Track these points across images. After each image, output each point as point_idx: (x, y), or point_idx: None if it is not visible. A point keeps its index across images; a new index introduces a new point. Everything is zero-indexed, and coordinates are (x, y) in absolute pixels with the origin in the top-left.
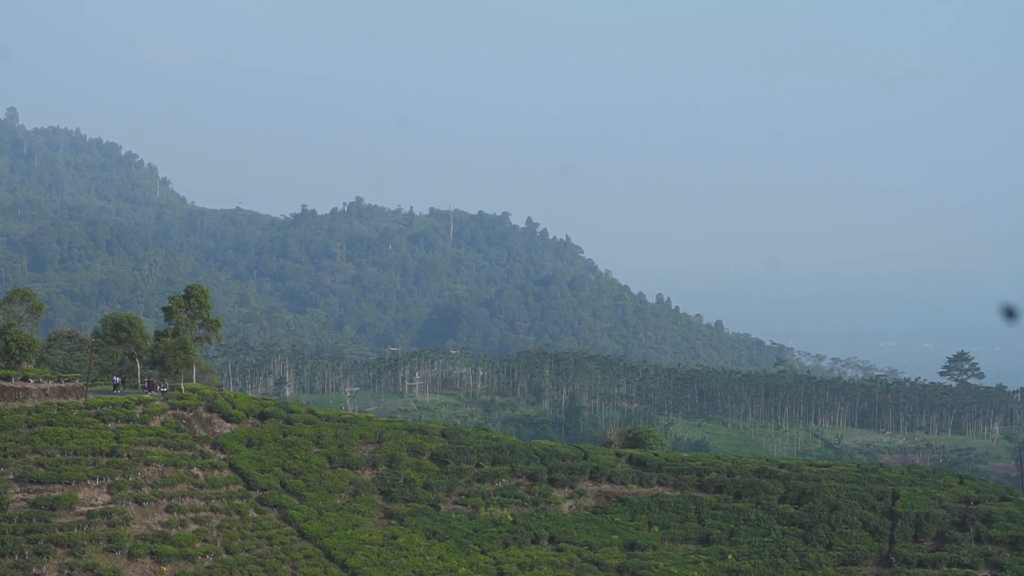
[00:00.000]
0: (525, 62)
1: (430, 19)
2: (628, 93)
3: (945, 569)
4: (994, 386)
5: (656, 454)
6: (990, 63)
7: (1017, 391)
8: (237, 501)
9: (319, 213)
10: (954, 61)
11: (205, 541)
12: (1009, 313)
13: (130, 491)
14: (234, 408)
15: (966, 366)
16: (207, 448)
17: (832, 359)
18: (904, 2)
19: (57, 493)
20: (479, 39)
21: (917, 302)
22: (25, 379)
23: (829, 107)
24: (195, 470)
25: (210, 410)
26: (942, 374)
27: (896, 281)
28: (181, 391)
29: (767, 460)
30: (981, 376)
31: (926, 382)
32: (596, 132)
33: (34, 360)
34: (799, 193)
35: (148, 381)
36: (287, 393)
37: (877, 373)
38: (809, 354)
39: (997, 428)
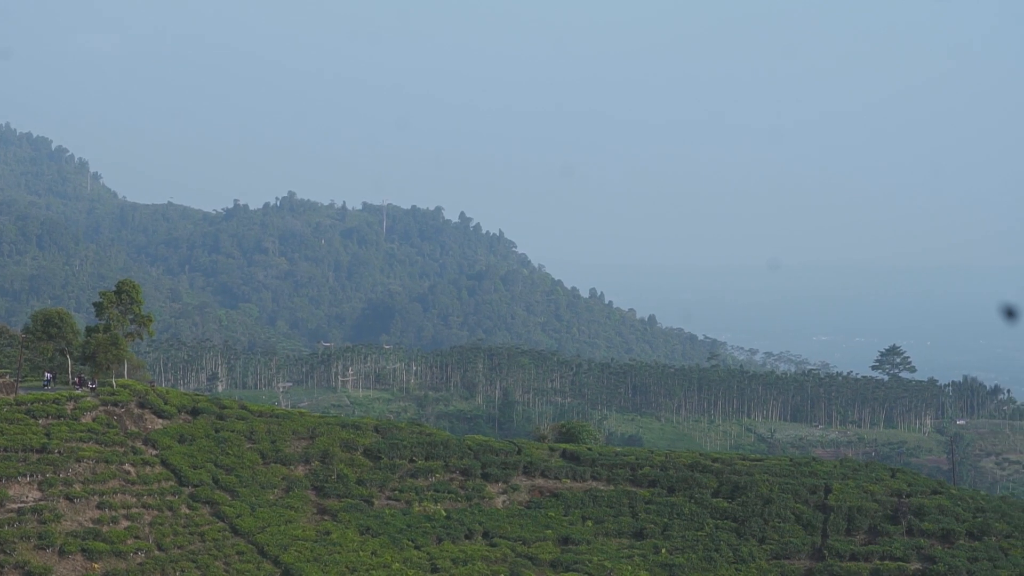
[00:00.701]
0: (463, 55)
1: (364, 8)
2: (563, 91)
3: (877, 562)
4: (925, 380)
5: (590, 449)
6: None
7: (948, 385)
8: (169, 497)
9: (251, 208)
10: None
11: (137, 538)
12: (1009, 313)
13: (61, 488)
14: (166, 404)
15: (898, 360)
16: (139, 444)
17: (765, 353)
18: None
19: None
20: (416, 29)
21: (850, 297)
22: None
23: (771, 91)
24: (127, 466)
25: (142, 406)
26: (874, 368)
27: (829, 276)
28: (112, 387)
29: (700, 454)
30: (913, 370)
31: (858, 376)
32: (532, 129)
33: None
34: (732, 190)
35: (79, 377)
36: (219, 389)
37: (810, 367)
38: (742, 348)
39: (929, 422)
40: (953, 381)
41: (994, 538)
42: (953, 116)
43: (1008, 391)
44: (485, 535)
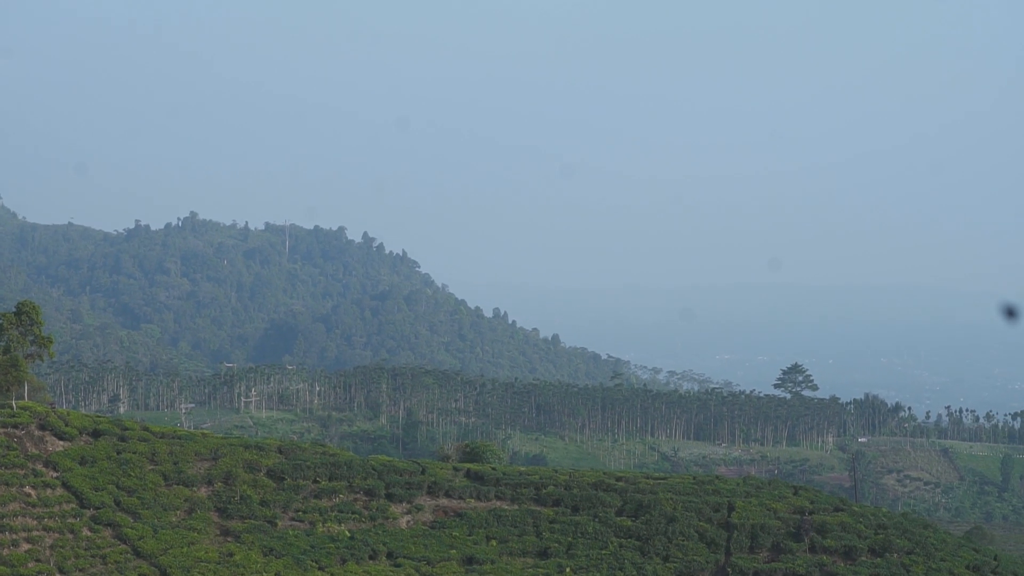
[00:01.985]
0: (365, 73)
1: (262, 25)
2: (465, 109)
3: None
4: (827, 398)
5: (494, 468)
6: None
7: (850, 403)
8: (70, 520)
9: (153, 228)
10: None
11: (38, 560)
12: (1009, 313)
13: None
14: (67, 426)
15: (800, 378)
16: (39, 466)
17: (668, 372)
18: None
19: None
20: (308, 49)
21: (752, 317)
22: None
23: (677, 110)
24: (27, 489)
25: (42, 428)
26: (777, 387)
27: (731, 297)
28: (12, 409)
29: (604, 473)
30: (815, 388)
31: (761, 394)
32: (435, 148)
33: None
34: (633, 211)
35: None
36: (121, 410)
37: (713, 386)
38: (646, 368)
39: (831, 439)
40: (855, 399)
41: (895, 555)
42: (851, 123)
43: (909, 408)
44: (389, 555)
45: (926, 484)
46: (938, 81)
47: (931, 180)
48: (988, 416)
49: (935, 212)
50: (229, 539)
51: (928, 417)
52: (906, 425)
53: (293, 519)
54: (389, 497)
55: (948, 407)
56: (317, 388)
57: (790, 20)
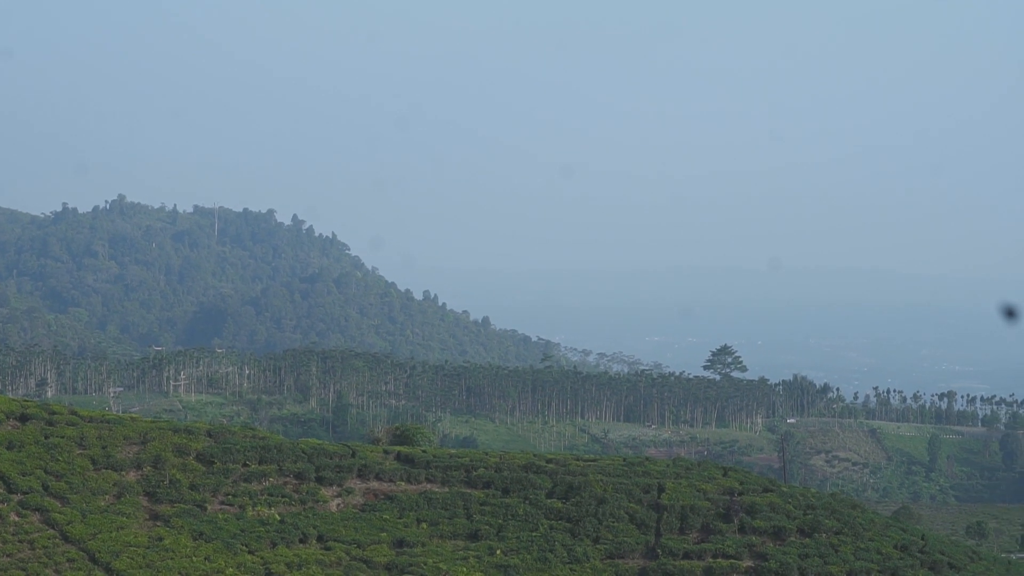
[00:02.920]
0: (297, 57)
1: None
2: (396, 89)
3: (710, 560)
4: (756, 379)
5: (424, 451)
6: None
7: (779, 384)
8: None
9: (80, 211)
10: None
11: None
12: (1009, 313)
13: None
14: None
15: (729, 360)
16: None
17: (598, 354)
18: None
19: None
20: (238, 34)
21: (681, 299)
22: None
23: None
24: None
25: None
26: (706, 368)
27: (660, 279)
28: None
29: (535, 455)
30: (744, 370)
31: (691, 376)
32: (367, 131)
33: None
34: (563, 195)
35: None
36: (49, 394)
37: (643, 368)
38: (576, 349)
39: (760, 420)
40: (783, 380)
41: (824, 535)
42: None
43: (837, 389)
44: (320, 539)
45: (854, 464)
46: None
47: (865, 158)
48: (916, 397)
49: (868, 193)
50: (158, 523)
51: (856, 398)
52: (834, 406)
53: (223, 503)
54: (319, 480)
55: (876, 388)
56: (247, 371)
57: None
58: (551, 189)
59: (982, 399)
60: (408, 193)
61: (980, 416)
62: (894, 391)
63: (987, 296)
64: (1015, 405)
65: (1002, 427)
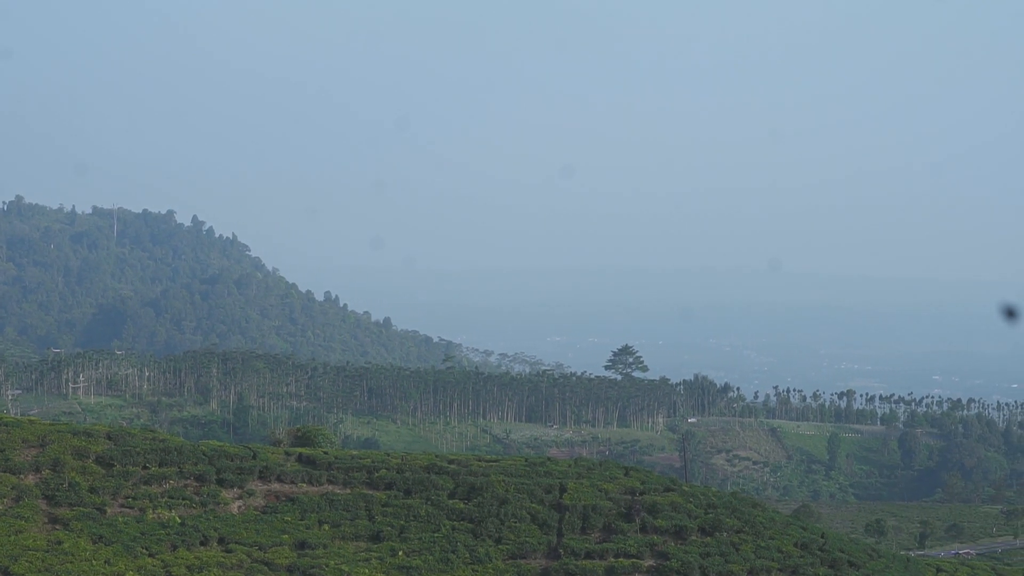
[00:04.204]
0: (203, 55)
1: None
2: (301, 88)
3: (612, 560)
4: (657, 379)
5: (326, 452)
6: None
7: (680, 384)
8: None
9: None
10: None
11: None
12: (1009, 313)
13: None
14: None
15: (630, 360)
16: None
17: (500, 355)
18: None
19: None
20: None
21: (582, 299)
22: None
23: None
24: None
25: None
26: (607, 368)
27: (561, 279)
28: None
29: (436, 456)
30: (645, 369)
31: (592, 376)
32: (265, 131)
33: None
34: (469, 195)
35: None
36: None
37: (544, 368)
38: (477, 350)
39: (661, 420)
40: (684, 380)
41: (725, 533)
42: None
43: (738, 389)
44: (221, 541)
45: (755, 463)
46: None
47: (761, 161)
48: (815, 396)
49: (762, 192)
50: (57, 527)
51: (756, 397)
52: (735, 405)
53: (123, 506)
54: (220, 482)
55: (776, 387)
56: (146, 373)
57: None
58: (457, 188)
59: (881, 398)
60: (313, 193)
61: (879, 415)
62: (794, 390)
63: (885, 295)
64: (913, 403)
65: (900, 425)
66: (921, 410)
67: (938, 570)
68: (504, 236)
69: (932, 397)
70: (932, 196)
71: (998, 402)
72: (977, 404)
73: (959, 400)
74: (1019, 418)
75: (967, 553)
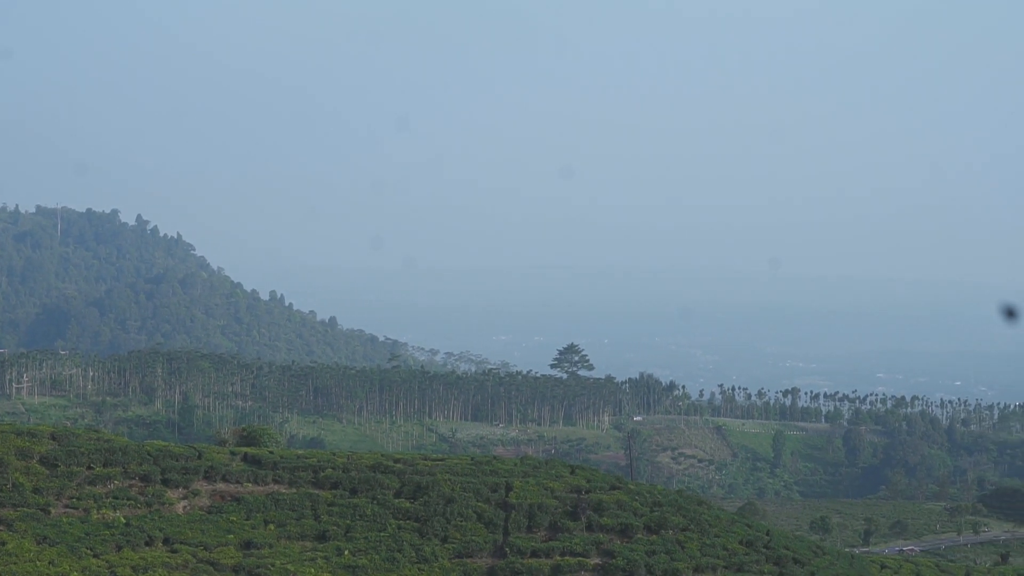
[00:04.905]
0: (143, 53)
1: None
2: (246, 87)
3: (558, 558)
4: (603, 378)
5: (271, 452)
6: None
7: (625, 382)
8: None
9: None
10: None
11: None
12: (1009, 313)
13: None
14: None
15: (576, 358)
16: None
17: (446, 354)
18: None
19: None
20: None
21: (529, 298)
22: None
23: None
24: None
25: None
26: (553, 367)
27: (506, 279)
28: None
29: (382, 455)
30: (591, 368)
31: (538, 375)
32: (210, 129)
33: None
34: (414, 193)
35: None
36: None
37: (490, 367)
38: (423, 349)
39: (607, 418)
40: (630, 378)
41: (671, 531)
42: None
43: (683, 387)
44: (166, 541)
45: (700, 461)
46: None
47: (709, 165)
48: (760, 394)
49: (709, 195)
50: (1, 528)
51: (702, 396)
52: (680, 404)
53: (67, 506)
54: (165, 482)
55: (721, 385)
56: (91, 373)
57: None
58: (403, 185)
59: (825, 396)
60: (260, 192)
61: (824, 412)
62: (739, 388)
63: (829, 295)
64: (857, 401)
65: (845, 423)
66: (865, 408)
67: (882, 567)
68: (449, 235)
69: (876, 395)
70: (876, 196)
71: (942, 400)
72: (921, 402)
73: (903, 398)
74: (962, 416)
75: (911, 550)
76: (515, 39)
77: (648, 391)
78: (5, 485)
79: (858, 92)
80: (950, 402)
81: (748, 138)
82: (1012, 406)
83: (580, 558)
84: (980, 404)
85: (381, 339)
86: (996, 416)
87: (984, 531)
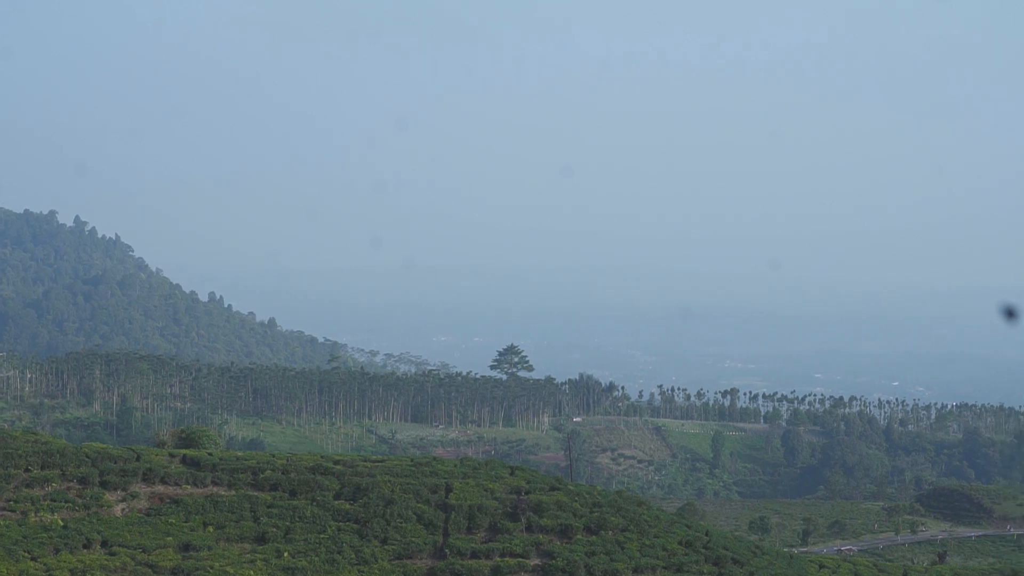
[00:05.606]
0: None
1: None
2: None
3: (498, 559)
4: (543, 379)
5: (210, 454)
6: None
7: (565, 383)
8: None
9: None
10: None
11: None
12: (1009, 314)
13: None
14: None
15: (516, 359)
16: None
17: (386, 355)
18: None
19: None
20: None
21: (468, 299)
22: None
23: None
24: None
25: None
26: (493, 368)
27: (447, 279)
28: None
29: (322, 457)
30: (531, 369)
31: (478, 376)
32: (147, 129)
33: None
34: (355, 193)
35: None
36: None
37: (430, 368)
38: (363, 350)
39: (546, 419)
40: (570, 379)
41: (610, 532)
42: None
43: (623, 388)
44: (104, 544)
45: (640, 462)
46: None
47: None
48: (699, 394)
49: (624, 196)
50: None
51: (641, 396)
52: (620, 404)
53: (4, 509)
54: (103, 485)
55: (661, 386)
56: (28, 375)
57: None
58: (349, 183)
59: (764, 396)
60: (197, 194)
61: (763, 413)
62: (678, 389)
63: (768, 295)
64: (796, 402)
65: (783, 423)
66: (804, 408)
67: (820, 566)
68: (393, 233)
69: (815, 395)
70: (818, 200)
71: (879, 400)
72: (859, 402)
73: (841, 398)
74: (900, 416)
75: (849, 550)
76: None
77: (588, 392)
78: None
79: (798, 92)
80: (888, 402)
81: (689, 137)
82: (949, 406)
83: (520, 559)
84: (918, 404)
85: (321, 340)
86: (933, 416)
87: (922, 531)
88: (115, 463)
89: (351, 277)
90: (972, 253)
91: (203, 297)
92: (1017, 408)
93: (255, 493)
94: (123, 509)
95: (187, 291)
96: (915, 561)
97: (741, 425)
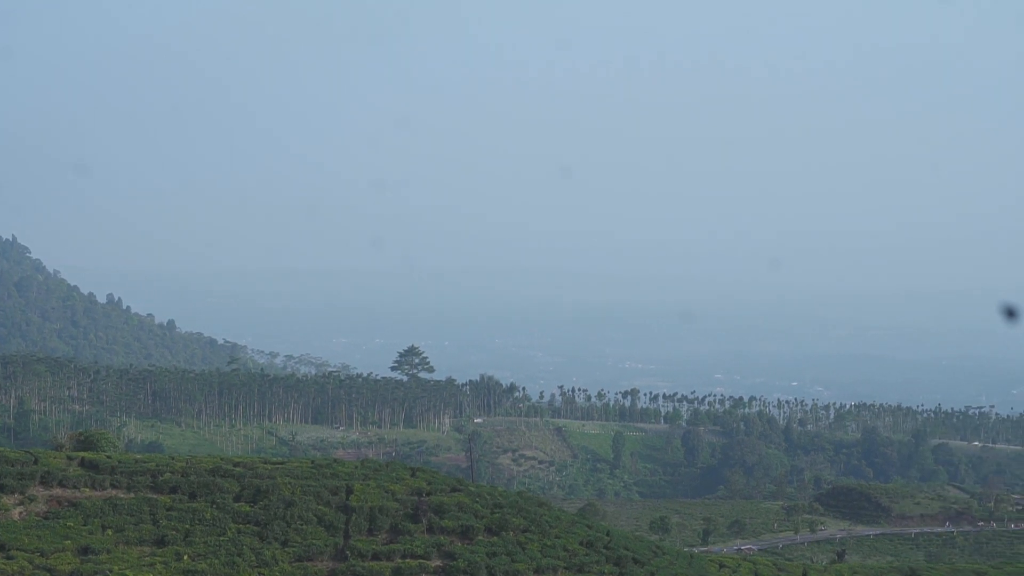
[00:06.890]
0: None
1: None
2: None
3: (399, 561)
4: (444, 380)
5: (109, 457)
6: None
7: (466, 384)
8: None
9: None
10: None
11: None
12: (1009, 314)
13: None
14: None
15: (416, 360)
16: None
17: (286, 356)
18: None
19: None
20: None
21: (368, 301)
22: None
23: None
24: None
25: None
26: (394, 369)
27: (343, 279)
28: None
29: (222, 459)
30: (431, 370)
31: (378, 377)
32: (51, 127)
33: None
34: (262, 197)
35: None
36: None
37: (330, 369)
38: (263, 352)
39: (448, 420)
40: (471, 380)
41: (512, 533)
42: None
43: (524, 389)
44: (1, 547)
45: (541, 463)
46: None
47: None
48: (600, 395)
49: (523, 197)
50: None
51: (542, 397)
52: (521, 405)
53: None
54: (0, 488)
55: (561, 387)
56: None
57: None
58: (246, 186)
59: (664, 396)
60: (92, 194)
61: (663, 413)
62: (579, 390)
63: (668, 295)
64: (696, 402)
65: (684, 424)
66: (704, 408)
67: (721, 565)
68: (292, 236)
69: (714, 396)
70: (728, 202)
71: (779, 400)
72: (759, 402)
73: (741, 399)
74: (799, 416)
75: (749, 549)
76: None
77: (489, 393)
78: None
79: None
80: (787, 402)
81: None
82: (847, 406)
83: (421, 560)
84: (817, 404)
85: (220, 342)
86: (832, 416)
87: (821, 529)
88: (12, 466)
89: (252, 280)
90: (875, 259)
91: (101, 299)
92: (914, 408)
93: (154, 496)
94: (20, 512)
95: (85, 293)
96: (814, 560)
97: (642, 426)
